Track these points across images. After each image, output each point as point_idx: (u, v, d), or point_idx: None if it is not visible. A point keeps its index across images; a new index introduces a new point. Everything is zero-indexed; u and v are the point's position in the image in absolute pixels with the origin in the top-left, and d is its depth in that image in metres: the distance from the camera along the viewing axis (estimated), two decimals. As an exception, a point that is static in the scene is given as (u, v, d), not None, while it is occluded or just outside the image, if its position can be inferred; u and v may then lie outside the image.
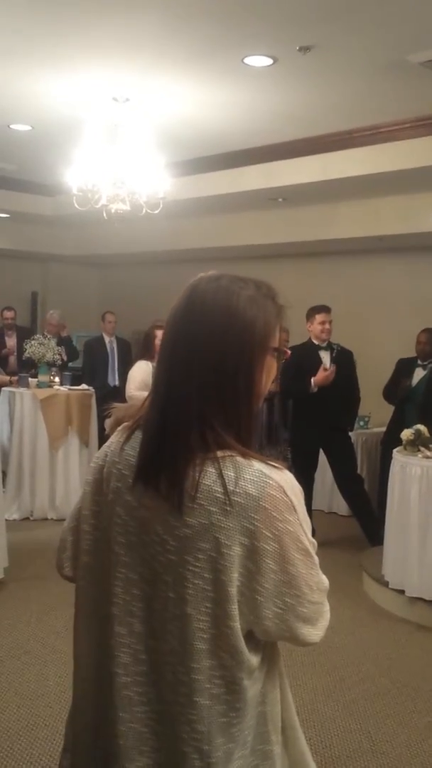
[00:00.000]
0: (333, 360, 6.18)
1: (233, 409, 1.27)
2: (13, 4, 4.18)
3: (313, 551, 1.30)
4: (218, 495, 1.22)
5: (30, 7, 4.20)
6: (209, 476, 1.23)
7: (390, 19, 4.16)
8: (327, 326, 6.16)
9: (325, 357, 6.19)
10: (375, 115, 5.93)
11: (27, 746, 3.21)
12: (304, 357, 6.13)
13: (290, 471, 1.30)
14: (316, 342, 6.23)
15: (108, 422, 1.51)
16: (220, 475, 1.22)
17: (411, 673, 4.05)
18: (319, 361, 6.14)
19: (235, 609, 1.23)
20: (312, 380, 5.97)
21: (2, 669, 3.92)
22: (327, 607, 1.33)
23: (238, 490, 1.22)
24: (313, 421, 6.06)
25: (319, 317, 6.17)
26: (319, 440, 6.19)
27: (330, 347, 6.23)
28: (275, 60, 4.83)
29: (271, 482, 1.24)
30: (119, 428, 1.41)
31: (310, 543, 1.29)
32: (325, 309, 6.21)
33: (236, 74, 5.12)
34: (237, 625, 1.24)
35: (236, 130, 6.47)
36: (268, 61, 4.86)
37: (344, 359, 6.24)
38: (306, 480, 5.94)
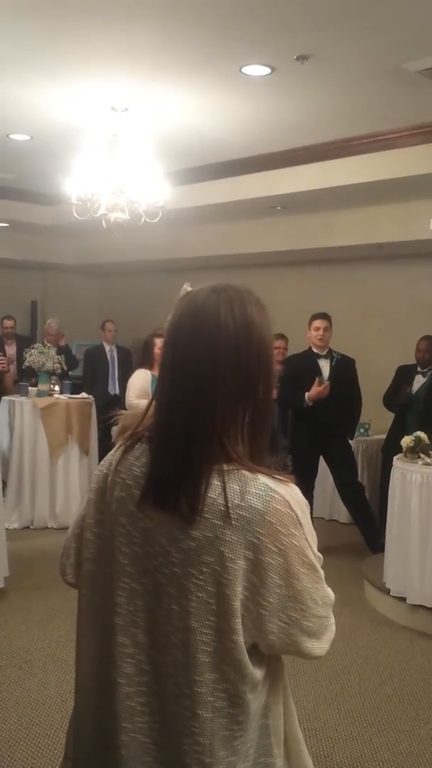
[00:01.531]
0: (332, 368, 6.18)
1: (251, 420, 1.28)
2: (12, 14, 4.20)
3: (318, 565, 1.29)
4: (223, 508, 1.22)
5: (29, 17, 4.22)
6: (214, 489, 1.23)
7: (387, 27, 4.18)
8: (321, 332, 6.15)
9: (325, 365, 6.19)
10: (373, 123, 5.95)
11: (28, 755, 3.20)
12: (303, 365, 6.15)
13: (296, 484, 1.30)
14: (315, 350, 6.24)
15: (115, 429, 1.51)
16: (225, 489, 1.22)
17: (412, 681, 4.04)
18: (318, 370, 6.14)
19: (238, 623, 1.22)
20: (306, 396, 5.97)
21: (3, 678, 3.91)
22: (332, 620, 1.33)
23: (243, 504, 1.22)
24: (313, 428, 6.07)
25: (314, 323, 6.19)
26: (319, 447, 6.19)
27: (330, 356, 6.23)
28: (273, 69, 4.85)
29: (276, 496, 1.23)
30: (122, 437, 1.41)
31: (315, 557, 1.29)
32: (321, 316, 6.23)
33: (234, 84, 5.14)
34: (240, 639, 1.23)
35: (235, 139, 6.49)
36: (266, 71, 4.88)
37: (344, 367, 6.24)
38: (306, 487, 5.94)
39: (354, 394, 6.32)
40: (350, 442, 6.66)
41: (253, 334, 1.27)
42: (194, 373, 1.25)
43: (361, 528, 6.30)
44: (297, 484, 1.30)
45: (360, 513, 6.32)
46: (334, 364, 6.20)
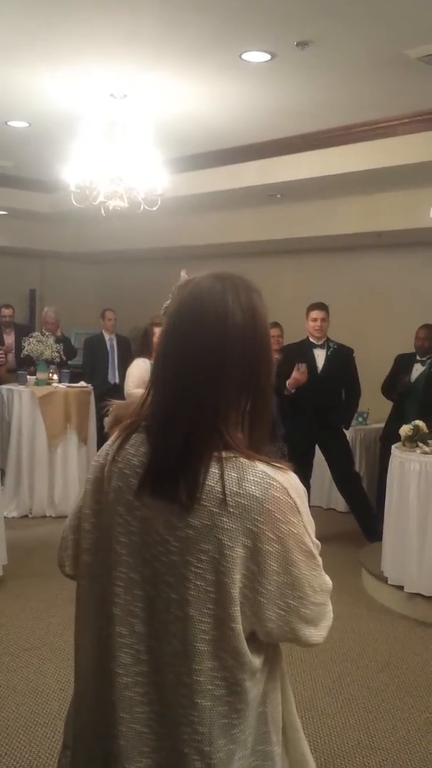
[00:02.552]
0: (327, 358, 6.18)
1: (252, 407, 1.28)
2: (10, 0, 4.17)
3: (316, 552, 1.29)
4: (221, 496, 1.21)
5: (27, 3, 4.19)
6: (212, 477, 1.22)
7: (388, 14, 4.15)
8: (319, 323, 6.15)
9: (320, 355, 6.19)
10: (373, 111, 5.92)
11: (26, 744, 3.21)
12: (298, 355, 6.14)
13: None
14: (312, 340, 6.23)
15: (107, 420, 1.50)
16: (223, 476, 1.22)
17: (410, 669, 4.06)
18: (313, 359, 6.14)
19: (237, 611, 1.22)
20: (287, 383, 5.96)
21: (0, 666, 3.92)
22: (330, 608, 1.33)
23: (241, 492, 1.21)
24: (307, 418, 6.07)
25: (312, 314, 6.19)
26: (315, 437, 6.20)
27: (327, 345, 6.23)
28: (273, 55, 4.82)
29: (274, 484, 1.23)
30: (119, 427, 1.39)
31: (313, 544, 1.29)
32: (319, 306, 6.22)
33: (234, 70, 5.11)
34: (239, 626, 1.23)
35: (234, 126, 6.45)
36: (266, 57, 4.84)
37: (340, 357, 6.23)
38: (303, 476, 5.93)
39: (351, 384, 6.32)
40: (348, 431, 6.64)
41: (258, 322, 1.28)
42: (198, 360, 1.24)
43: (358, 517, 6.32)
44: (294, 472, 1.30)
45: (356, 502, 6.33)
46: (329, 353, 6.20)
